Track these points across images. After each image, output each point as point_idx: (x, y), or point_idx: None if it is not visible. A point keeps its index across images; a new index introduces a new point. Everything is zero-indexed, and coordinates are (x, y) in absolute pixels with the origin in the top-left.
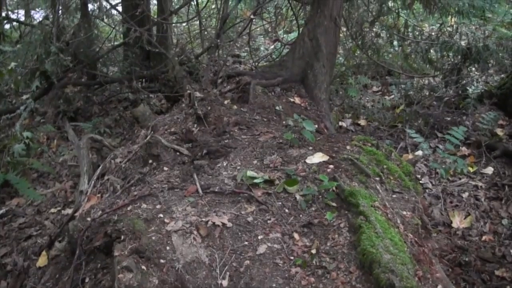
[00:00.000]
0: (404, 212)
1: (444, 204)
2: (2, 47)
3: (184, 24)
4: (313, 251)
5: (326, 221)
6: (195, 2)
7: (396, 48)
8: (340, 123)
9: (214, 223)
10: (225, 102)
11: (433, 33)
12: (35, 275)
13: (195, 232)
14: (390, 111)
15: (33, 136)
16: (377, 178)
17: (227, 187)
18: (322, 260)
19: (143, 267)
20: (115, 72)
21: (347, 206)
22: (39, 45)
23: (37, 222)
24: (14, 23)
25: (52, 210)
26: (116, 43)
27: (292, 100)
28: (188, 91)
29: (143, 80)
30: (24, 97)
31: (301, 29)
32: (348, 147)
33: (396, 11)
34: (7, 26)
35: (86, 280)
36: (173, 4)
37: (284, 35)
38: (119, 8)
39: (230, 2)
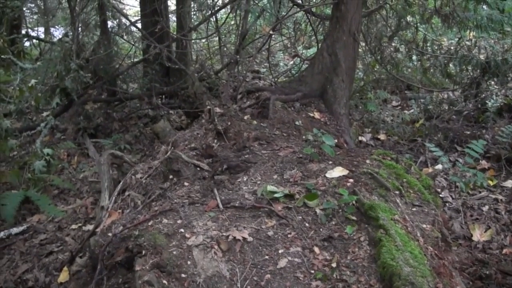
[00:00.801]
0: (424, 225)
1: (464, 218)
2: (23, 65)
3: (203, 40)
4: (334, 265)
5: (346, 234)
6: (215, 19)
7: (415, 63)
8: (360, 138)
9: (234, 237)
10: (245, 117)
11: (451, 47)
12: None
13: (215, 247)
14: (409, 125)
15: (53, 153)
16: (397, 192)
17: (247, 202)
18: (342, 274)
19: (164, 281)
20: (135, 88)
21: (367, 219)
22: (59, 62)
23: (58, 238)
24: (34, 41)
25: (73, 226)
26: (135, 59)
27: (311, 115)
28: (208, 107)
29: (163, 96)
30: (45, 114)
31: (320, 44)
32: (367, 161)
33: (415, 25)
34: (27, 44)
35: None
36: (193, 20)
37: (303, 51)
38: (139, 25)
39: (249, 18)
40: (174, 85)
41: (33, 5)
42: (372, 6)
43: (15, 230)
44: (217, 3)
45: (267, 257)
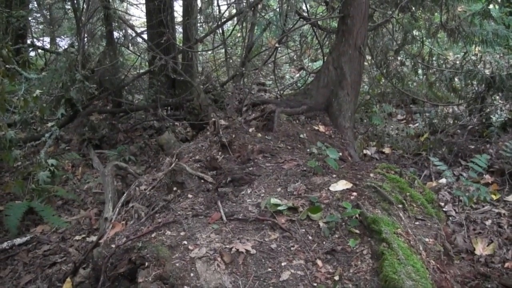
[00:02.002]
0: (427, 239)
1: (467, 232)
2: (28, 75)
3: (209, 52)
4: (336, 278)
5: (349, 248)
6: (221, 31)
7: (421, 77)
8: (365, 151)
9: (238, 250)
10: (250, 130)
11: (457, 62)
12: None
13: (219, 259)
14: (414, 139)
15: (58, 164)
16: (400, 206)
17: (251, 214)
18: (345, 287)
19: None
20: (141, 100)
21: (370, 233)
22: (64, 72)
23: (62, 249)
24: (40, 51)
25: (77, 237)
26: (141, 71)
27: (316, 128)
28: (213, 119)
29: (168, 108)
30: (49, 124)
31: (326, 57)
32: (371, 175)
33: (421, 40)
34: (32, 54)
35: None
36: (199, 32)
37: (310, 64)
38: (145, 36)
39: (255, 31)
40: (180, 97)
41: (38, 14)
42: (378, 20)
43: (18, 240)
44: (224, 15)
45: (270, 269)
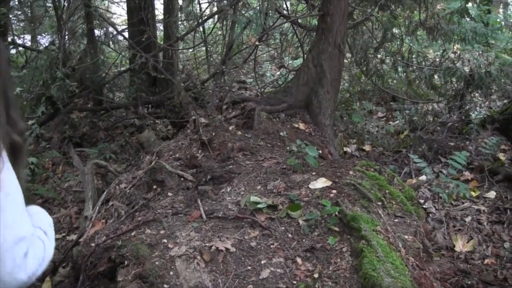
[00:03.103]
0: (406, 236)
1: (447, 228)
2: None
3: (190, 50)
4: (316, 275)
5: (328, 245)
6: (202, 29)
7: (401, 74)
8: (345, 149)
9: (217, 248)
10: (230, 128)
11: (436, 60)
12: None
13: (198, 257)
14: (394, 136)
15: (38, 162)
16: (379, 203)
17: (230, 212)
18: (324, 284)
19: None
20: (121, 98)
21: (350, 230)
22: (45, 70)
23: None
24: (20, 48)
25: (57, 236)
26: (122, 69)
27: (296, 126)
28: (193, 117)
29: (149, 106)
30: (30, 122)
31: (306, 55)
32: (351, 172)
33: (400, 37)
34: (13, 51)
35: None
36: (180, 30)
37: (290, 61)
38: (126, 34)
39: (236, 29)
40: (160, 95)
41: (19, 12)
42: (358, 18)
43: None
44: (204, 13)
45: (249, 267)
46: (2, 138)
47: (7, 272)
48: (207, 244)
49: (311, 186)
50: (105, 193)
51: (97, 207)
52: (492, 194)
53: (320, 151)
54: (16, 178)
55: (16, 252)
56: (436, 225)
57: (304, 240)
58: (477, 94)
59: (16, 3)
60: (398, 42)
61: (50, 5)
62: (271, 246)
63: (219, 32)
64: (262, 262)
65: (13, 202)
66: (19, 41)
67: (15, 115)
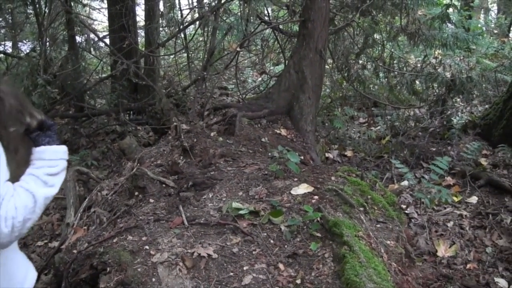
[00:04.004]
0: (388, 242)
1: (429, 233)
2: None
3: (171, 57)
4: (298, 281)
5: (310, 251)
6: (183, 35)
7: (382, 80)
8: (327, 154)
9: (199, 254)
10: (212, 134)
11: (418, 65)
12: None
13: (180, 264)
14: (376, 142)
15: None
16: (361, 209)
17: (212, 219)
18: None
19: None
20: (103, 104)
21: (332, 236)
22: (26, 77)
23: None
24: (1, 55)
25: (39, 243)
26: (103, 75)
27: (278, 132)
28: (175, 123)
29: (131, 112)
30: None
31: (287, 61)
32: (333, 178)
33: (382, 43)
34: None
35: None
36: (161, 36)
37: (272, 67)
38: (107, 40)
39: (217, 35)
40: (142, 101)
41: (0, 18)
42: (339, 24)
43: None
44: (186, 19)
45: (231, 273)
46: None
47: None
48: (189, 251)
49: (293, 192)
50: (86, 200)
51: (79, 214)
52: (474, 199)
53: (302, 157)
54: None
55: None
56: (418, 230)
57: (286, 246)
58: (458, 99)
59: None
60: (380, 48)
61: (31, 11)
62: (253, 252)
63: (201, 38)
64: (244, 268)
65: None
66: (0, 48)
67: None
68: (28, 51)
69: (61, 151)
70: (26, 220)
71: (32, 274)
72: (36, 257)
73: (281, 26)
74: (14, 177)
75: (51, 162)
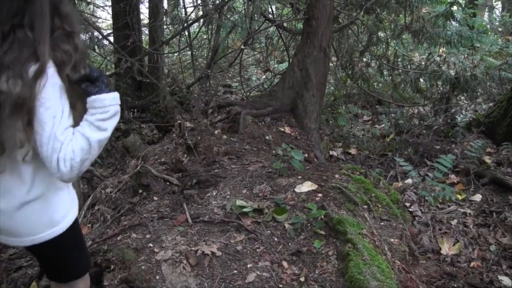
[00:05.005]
0: (392, 240)
1: (433, 231)
2: None
3: (175, 54)
4: (302, 279)
5: (314, 249)
6: (187, 33)
7: (386, 78)
8: (331, 152)
9: (203, 252)
10: (216, 132)
11: (422, 63)
12: None
13: (184, 261)
14: (380, 140)
15: None
16: (365, 206)
17: (216, 216)
18: None
19: None
20: None
21: (335, 234)
22: None
23: (28, 253)
24: None
25: None
26: (107, 73)
27: (282, 129)
28: (179, 121)
29: (135, 110)
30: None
31: (291, 59)
32: (336, 176)
33: (386, 41)
34: None
35: None
36: (165, 34)
37: (276, 65)
38: (111, 38)
39: (221, 33)
40: (146, 99)
41: None
42: (343, 22)
43: None
44: (190, 17)
45: (235, 271)
46: (47, 54)
47: (53, 172)
48: (193, 248)
49: (297, 189)
50: (90, 197)
51: (83, 212)
52: (478, 197)
53: (306, 155)
54: (62, 91)
55: (54, 157)
56: (422, 228)
57: (290, 244)
58: (462, 97)
59: None
60: (384, 46)
61: None
62: (257, 250)
63: (205, 36)
64: (248, 266)
65: (51, 115)
66: None
67: (59, 35)
68: None
69: (110, 98)
70: (83, 161)
71: (73, 213)
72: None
73: (285, 24)
74: (74, 126)
75: (101, 109)
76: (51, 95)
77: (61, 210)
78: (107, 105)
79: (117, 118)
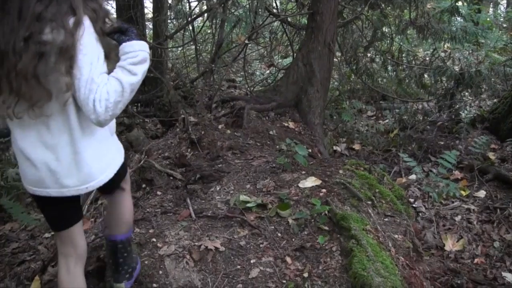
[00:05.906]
0: (396, 236)
1: (437, 228)
2: None
3: (179, 49)
4: (305, 275)
5: (318, 244)
6: (191, 27)
7: (390, 73)
8: (335, 148)
9: (206, 247)
10: (219, 126)
11: (426, 58)
12: None
13: (187, 256)
14: (384, 135)
15: None
16: (369, 202)
17: (220, 212)
18: (314, 284)
19: None
20: None
21: (339, 229)
22: None
23: (31, 247)
24: None
25: (46, 234)
26: None
27: (286, 124)
28: (182, 116)
29: (138, 104)
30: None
31: (295, 54)
32: (340, 171)
33: (390, 36)
34: None
35: None
36: (169, 28)
37: (280, 60)
38: None
39: (225, 27)
40: (150, 94)
41: None
42: (348, 17)
43: None
44: (194, 11)
45: (239, 267)
46: (81, 8)
47: (89, 114)
48: (196, 243)
49: (300, 185)
50: (94, 192)
51: (86, 206)
52: (482, 193)
53: (310, 150)
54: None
55: (91, 98)
56: (426, 224)
57: (293, 239)
58: (467, 93)
59: None
60: (388, 41)
61: None
62: (261, 246)
63: (209, 31)
64: (252, 261)
65: (89, 61)
66: None
67: None
68: None
69: (139, 43)
70: (117, 102)
71: (119, 160)
72: (43, 249)
73: (289, 19)
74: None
75: (131, 54)
76: (88, 43)
77: (107, 156)
78: (136, 50)
79: (146, 65)
